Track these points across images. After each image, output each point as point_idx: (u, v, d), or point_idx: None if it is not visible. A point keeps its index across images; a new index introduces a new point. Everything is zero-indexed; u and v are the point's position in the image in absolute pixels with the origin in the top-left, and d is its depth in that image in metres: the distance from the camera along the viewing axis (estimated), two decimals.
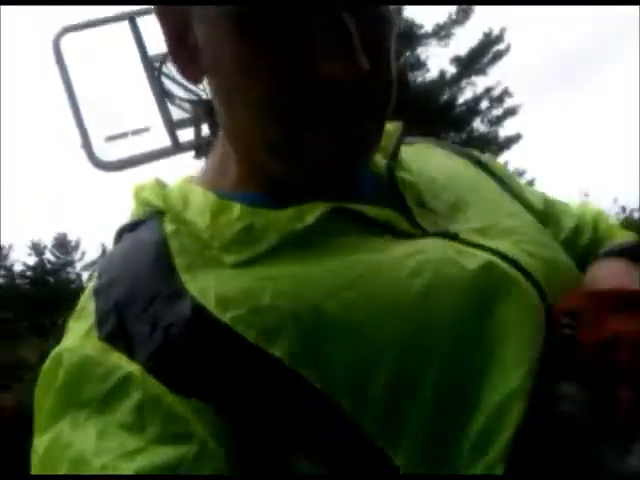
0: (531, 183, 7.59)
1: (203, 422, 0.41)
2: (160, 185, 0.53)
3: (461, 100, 12.43)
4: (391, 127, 0.55)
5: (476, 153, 0.66)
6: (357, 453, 0.41)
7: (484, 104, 12.37)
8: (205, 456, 0.40)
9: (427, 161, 0.60)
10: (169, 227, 0.48)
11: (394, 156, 0.55)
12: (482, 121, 12.51)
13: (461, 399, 0.42)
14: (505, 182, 0.62)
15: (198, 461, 0.39)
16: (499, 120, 12.27)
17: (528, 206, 0.61)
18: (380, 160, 0.55)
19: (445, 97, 12.36)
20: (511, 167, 7.45)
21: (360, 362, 0.41)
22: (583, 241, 0.67)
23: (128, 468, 0.38)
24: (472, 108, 12.40)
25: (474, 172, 0.62)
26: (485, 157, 0.66)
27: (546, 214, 0.64)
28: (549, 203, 0.68)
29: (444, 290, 0.45)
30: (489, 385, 0.42)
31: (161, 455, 0.39)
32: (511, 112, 12.19)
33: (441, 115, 11.90)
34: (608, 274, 0.53)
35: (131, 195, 0.55)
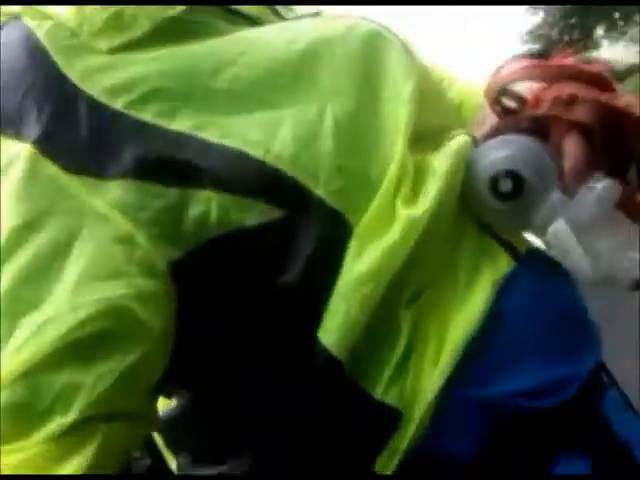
0: None
1: (99, 197, 0.43)
2: None
3: None
4: None
5: None
6: (280, 193, 0.44)
7: None
8: (96, 226, 0.42)
9: None
10: (31, 23, 0.48)
11: None
12: None
13: (363, 131, 0.47)
14: None
15: (89, 230, 0.42)
16: None
17: None
18: None
19: None
20: None
21: (264, 120, 0.45)
22: None
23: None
24: None
25: None
26: None
27: None
28: None
29: (325, 47, 0.49)
30: (385, 130, 0.47)
31: (51, 228, 0.41)
32: None
33: None
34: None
35: None
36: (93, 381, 0.40)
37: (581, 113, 0.48)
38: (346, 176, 0.45)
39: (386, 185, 0.45)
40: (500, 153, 0.48)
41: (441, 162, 0.47)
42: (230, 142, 0.44)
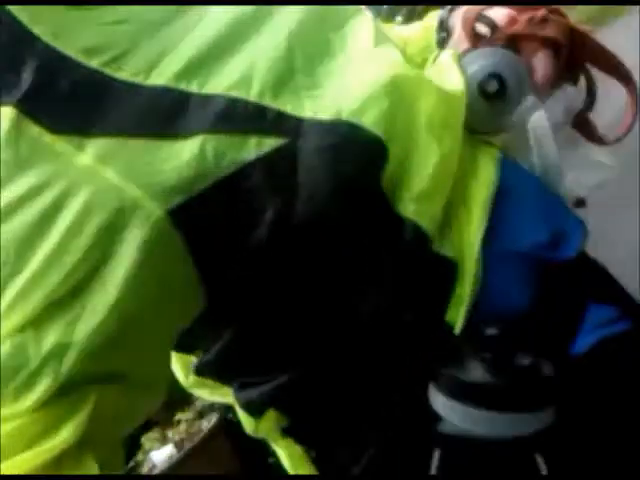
0: None
1: (86, 153, 0.43)
2: None
3: None
4: None
5: None
6: (269, 124, 0.46)
7: None
8: (84, 183, 0.42)
9: None
10: None
11: None
12: None
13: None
14: None
15: (78, 188, 0.42)
16: None
17: None
18: None
19: None
20: None
21: (236, 64, 0.48)
22: None
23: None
24: None
25: None
26: None
27: None
28: None
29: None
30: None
31: (42, 195, 0.41)
32: None
33: None
34: None
35: None
36: (82, 338, 0.40)
37: (553, 30, 0.56)
38: (328, 94, 0.48)
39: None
40: (486, 61, 0.57)
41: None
42: (210, 89, 0.46)
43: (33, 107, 0.43)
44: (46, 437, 0.40)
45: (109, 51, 0.46)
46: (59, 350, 0.40)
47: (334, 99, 0.48)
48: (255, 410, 0.54)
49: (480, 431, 0.43)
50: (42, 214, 0.41)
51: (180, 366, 0.59)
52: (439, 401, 0.45)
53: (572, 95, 0.57)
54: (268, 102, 0.46)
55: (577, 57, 0.58)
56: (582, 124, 0.60)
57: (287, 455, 0.57)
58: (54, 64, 0.45)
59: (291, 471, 0.57)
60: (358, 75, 0.50)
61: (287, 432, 0.55)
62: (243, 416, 0.58)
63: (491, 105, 0.56)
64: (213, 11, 0.52)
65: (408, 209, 0.47)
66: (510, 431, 0.43)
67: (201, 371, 0.55)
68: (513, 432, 0.43)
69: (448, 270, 0.49)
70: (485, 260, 0.49)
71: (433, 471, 0.44)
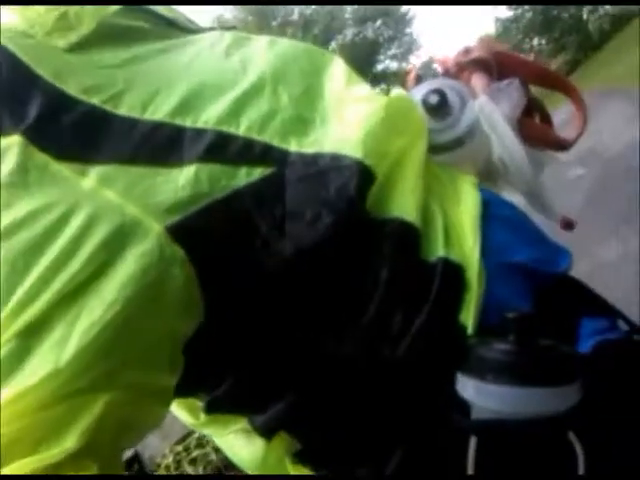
0: None
1: (87, 178, 0.46)
2: None
3: None
4: None
5: None
6: (256, 156, 0.50)
7: None
8: (87, 203, 0.44)
9: None
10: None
11: None
12: None
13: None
14: None
15: (81, 208, 0.44)
16: None
17: None
18: None
19: None
20: None
21: (227, 102, 0.52)
22: None
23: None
24: None
25: None
26: None
27: None
28: None
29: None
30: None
31: (48, 214, 0.43)
32: None
33: None
34: None
35: None
36: (80, 332, 0.41)
37: (476, 52, 0.68)
38: (310, 128, 0.54)
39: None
40: (427, 85, 0.68)
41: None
42: (201, 124, 0.50)
43: (39, 137, 0.47)
44: (50, 442, 0.40)
45: (107, 90, 0.50)
46: (59, 343, 0.41)
47: (318, 135, 0.54)
48: (267, 431, 0.53)
49: (512, 410, 0.43)
50: (47, 229, 0.43)
51: (186, 410, 0.59)
52: (469, 386, 0.45)
53: (508, 88, 0.66)
54: (255, 136, 0.51)
55: (507, 69, 0.69)
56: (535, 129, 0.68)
57: None
58: (57, 100, 0.49)
59: None
60: (341, 113, 0.56)
61: (299, 457, 0.54)
62: (248, 451, 0.56)
63: (438, 120, 0.65)
64: (199, 53, 0.58)
65: (392, 210, 0.52)
66: (541, 407, 0.43)
67: (213, 407, 0.55)
68: (544, 408, 0.43)
69: (456, 274, 0.52)
70: (485, 269, 0.52)
71: (470, 460, 0.43)
